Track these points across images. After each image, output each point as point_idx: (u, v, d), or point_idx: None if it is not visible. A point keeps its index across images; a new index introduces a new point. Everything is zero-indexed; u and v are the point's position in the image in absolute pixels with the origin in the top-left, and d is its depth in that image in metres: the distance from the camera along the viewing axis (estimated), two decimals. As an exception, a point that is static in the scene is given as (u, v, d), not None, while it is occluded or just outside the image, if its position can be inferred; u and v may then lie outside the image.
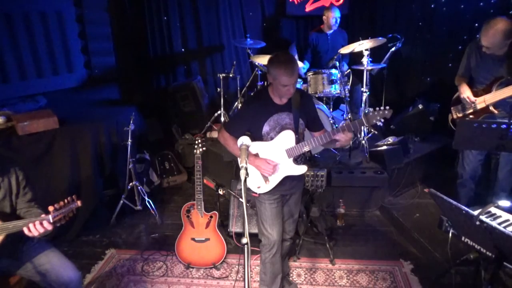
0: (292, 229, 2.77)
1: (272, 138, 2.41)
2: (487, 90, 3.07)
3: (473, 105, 3.14)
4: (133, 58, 5.57)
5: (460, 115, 3.29)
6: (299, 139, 2.44)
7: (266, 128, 2.40)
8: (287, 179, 2.48)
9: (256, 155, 2.43)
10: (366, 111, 2.32)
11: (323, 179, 3.18)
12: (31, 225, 1.98)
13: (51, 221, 1.99)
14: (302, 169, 2.48)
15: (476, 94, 3.14)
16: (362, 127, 2.35)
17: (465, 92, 3.16)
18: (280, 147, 2.40)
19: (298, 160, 2.49)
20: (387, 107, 2.25)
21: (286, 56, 2.30)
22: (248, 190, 2.45)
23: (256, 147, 2.43)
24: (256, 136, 2.40)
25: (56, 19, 4.45)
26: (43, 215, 2.02)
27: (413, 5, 5.04)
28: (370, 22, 5.37)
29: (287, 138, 2.39)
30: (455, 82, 3.34)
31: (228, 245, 3.26)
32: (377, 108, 2.25)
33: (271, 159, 2.39)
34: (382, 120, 2.25)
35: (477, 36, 3.00)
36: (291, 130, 2.39)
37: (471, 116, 3.19)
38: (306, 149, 2.37)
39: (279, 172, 2.44)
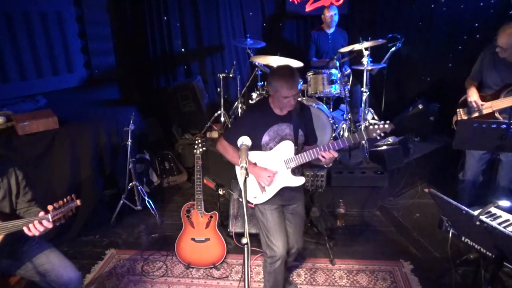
0: (297, 241, 2.65)
1: (271, 148, 2.43)
2: (495, 96, 3.06)
3: (479, 109, 3.13)
4: (133, 58, 5.57)
5: (465, 117, 3.27)
6: (298, 150, 2.45)
7: (265, 138, 2.42)
8: (285, 190, 2.48)
9: (254, 164, 2.44)
10: (367, 124, 2.37)
11: (323, 179, 3.17)
12: (30, 225, 1.98)
13: (50, 220, 1.99)
14: (299, 181, 2.48)
15: (483, 99, 3.12)
16: (363, 141, 2.39)
17: (473, 96, 3.14)
18: (278, 157, 2.42)
19: (296, 171, 2.50)
20: (388, 122, 2.29)
21: (287, 69, 2.35)
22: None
23: (254, 156, 2.44)
24: (255, 145, 2.36)
25: (56, 19, 4.46)
26: (42, 214, 2.01)
27: (413, 5, 5.03)
28: (370, 22, 5.36)
29: (286, 148, 2.40)
30: (465, 84, 3.30)
31: (228, 245, 3.26)
32: (378, 122, 2.30)
33: (269, 168, 2.40)
34: (382, 134, 2.30)
35: (494, 40, 2.95)
36: (291, 140, 2.40)
37: None
38: (305, 160, 2.38)
39: (276, 182, 2.44)
